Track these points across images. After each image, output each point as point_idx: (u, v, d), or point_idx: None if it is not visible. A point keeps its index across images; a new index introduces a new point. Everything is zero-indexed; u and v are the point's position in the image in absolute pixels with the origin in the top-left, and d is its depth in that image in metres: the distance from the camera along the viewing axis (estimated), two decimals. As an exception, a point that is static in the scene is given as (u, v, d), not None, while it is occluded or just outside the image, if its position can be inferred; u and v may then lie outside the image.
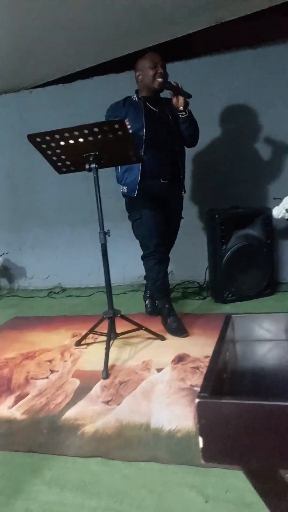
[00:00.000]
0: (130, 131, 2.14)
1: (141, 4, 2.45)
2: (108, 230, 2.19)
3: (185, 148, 2.53)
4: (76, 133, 2.03)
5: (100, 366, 2.04)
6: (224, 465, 1.26)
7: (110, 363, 2.08)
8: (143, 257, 2.59)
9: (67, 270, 3.87)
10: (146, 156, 2.33)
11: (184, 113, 2.30)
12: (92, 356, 2.26)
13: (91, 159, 2.11)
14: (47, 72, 3.39)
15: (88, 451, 1.47)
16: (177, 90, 2.26)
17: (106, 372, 2.00)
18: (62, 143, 2.09)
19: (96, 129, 2.00)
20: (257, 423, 0.57)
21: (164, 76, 2.33)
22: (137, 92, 2.47)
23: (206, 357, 2.08)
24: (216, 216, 2.84)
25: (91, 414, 1.69)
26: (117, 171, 2.49)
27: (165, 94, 2.41)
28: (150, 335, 2.37)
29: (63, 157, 2.19)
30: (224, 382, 0.72)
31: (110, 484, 1.30)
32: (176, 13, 2.63)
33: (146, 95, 2.40)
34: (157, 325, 2.53)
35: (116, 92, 3.44)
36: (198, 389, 1.78)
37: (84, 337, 2.41)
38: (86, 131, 2.02)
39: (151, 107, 2.41)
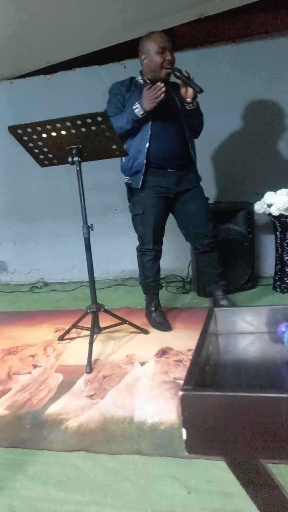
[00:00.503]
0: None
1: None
2: (91, 224, 2.18)
3: None
4: (58, 125, 2.00)
5: (83, 361, 2.03)
6: (207, 456, 1.28)
7: (93, 357, 2.07)
8: (138, 250, 2.52)
9: (50, 264, 3.83)
10: (153, 144, 2.22)
11: (191, 105, 2.19)
12: (75, 351, 2.25)
13: (73, 152, 2.09)
14: (28, 63, 3.33)
15: (72, 446, 1.47)
16: (188, 82, 2.11)
17: (90, 366, 1.99)
18: (44, 135, 2.06)
19: (78, 122, 1.98)
20: (239, 414, 0.58)
21: (172, 63, 2.17)
22: (141, 73, 2.31)
23: (189, 350, 2.10)
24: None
25: (75, 409, 1.69)
26: (122, 160, 2.38)
27: (173, 76, 2.25)
28: (134, 329, 2.38)
29: (45, 149, 2.16)
30: (207, 374, 0.73)
31: (94, 478, 1.31)
32: (161, 6, 2.62)
33: (152, 79, 2.23)
34: (140, 319, 2.53)
35: (99, 84, 3.40)
36: (181, 382, 1.80)
37: (67, 331, 2.40)
38: (68, 124, 1.99)
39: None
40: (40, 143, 2.12)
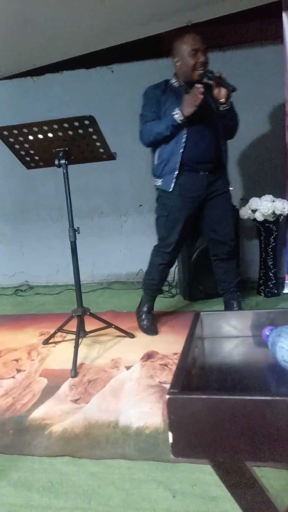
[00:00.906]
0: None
1: (112, 3, 2.43)
2: (77, 228, 2.17)
3: None
4: (45, 127, 1.99)
5: (68, 365, 2.02)
6: (192, 460, 1.28)
7: (78, 361, 2.06)
8: (155, 249, 2.47)
9: (35, 267, 3.80)
10: (188, 146, 2.18)
11: (225, 105, 2.13)
12: (60, 355, 2.23)
13: (60, 155, 2.08)
14: (15, 64, 3.30)
15: (56, 451, 1.45)
16: (220, 82, 2.06)
17: (75, 370, 1.98)
18: (30, 137, 2.05)
19: (66, 125, 1.97)
20: (224, 417, 0.58)
21: (205, 65, 2.12)
22: (175, 76, 2.26)
23: (175, 354, 2.10)
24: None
25: (59, 414, 1.67)
26: (153, 163, 2.34)
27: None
28: (120, 333, 2.37)
29: (31, 152, 2.15)
30: (193, 378, 0.74)
31: (78, 483, 1.30)
32: (149, 12, 2.64)
33: (186, 81, 2.19)
34: (126, 323, 2.53)
35: (86, 87, 3.42)
36: (166, 386, 1.81)
37: (52, 335, 2.37)
38: (55, 126, 1.99)
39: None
40: (26, 145, 2.10)
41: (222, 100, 2.11)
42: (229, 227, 2.39)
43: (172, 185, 2.25)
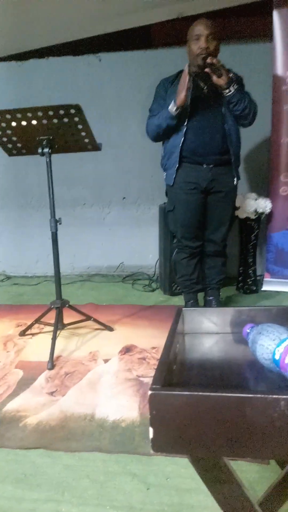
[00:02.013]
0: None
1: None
2: (59, 218, 2.13)
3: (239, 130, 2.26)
4: (29, 114, 1.94)
5: (45, 357, 1.99)
6: (172, 454, 1.29)
7: (56, 354, 2.04)
8: (175, 247, 2.47)
9: (13, 257, 3.73)
10: (188, 138, 2.15)
11: (228, 90, 2.07)
12: (37, 347, 2.20)
13: (44, 143, 2.04)
14: (-1, 47, 3.20)
15: (30, 443, 1.44)
16: (212, 69, 2.00)
17: (52, 363, 1.96)
18: (13, 123, 1.99)
19: (51, 112, 1.93)
20: (204, 413, 0.59)
21: (206, 50, 2.03)
22: (189, 66, 2.16)
23: (153, 348, 2.11)
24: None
25: (35, 406, 1.65)
26: (162, 156, 2.32)
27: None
28: (98, 326, 2.36)
29: (14, 138, 2.09)
30: (174, 373, 0.74)
31: (52, 475, 1.29)
32: (139, 1, 2.60)
33: (196, 70, 2.11)
34: (105, 316, 2.52)
35: (72, 75, 3.35)
36: (144, 379, 1.81)
37: (29, 327, 2.34)
38: (40, 113, 1.94)
39: (200, 83, 2.15)
40: (9, 132, 2.05)
41: (224, 85, 2.05)
42: (224, 228, 2.38)
43: (173, 179, 2.23)
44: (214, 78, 2.04)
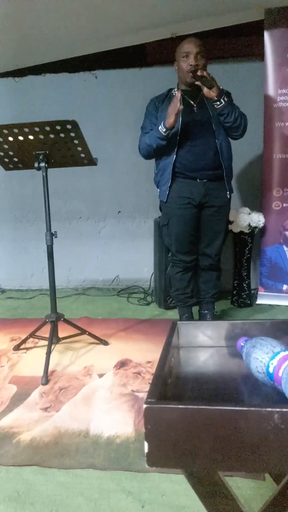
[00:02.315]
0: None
1: (99, 11, 2.44)
2: (55, 232, 2.14)
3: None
4: (26, 129, 1.97)
5: (39, 372, 1.97)
6: (166, 469, 1.28)
7: (50, 368, 2.02)
8: (169, 261, 2.50)
9: (8, 270, 3.71)
10: (180, 155, 2.18)
11: (219, 102, 2.09)
12: (31, 362, 2.18)
13: (40, 157, 2.06)
14: (-4, 63, 3.26)
15: (24, 460, 1.41)
16: (202, 81, 2.04)
17: (46, 378, 1.94)
18: (10, 138, 2.02)
19: (47, 128, 1.96)
20: (199, 427, 0.59)
21: (196, 67, 2.08)
22: (178, 85, 2.26)
23: (148, 362, 2.10)
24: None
25: (28, 422, 1.63)
26: (154, 173, 2.35)
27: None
28: (93, 340, 2.35)
29: (10, 153, 2.11)
30: (169, 387, 0.74)
31: (45, 493, 1.26)
32: (134, 21, 2.67)
33: (185, 88, 2.18)
34: (100, 330, 2.51)
35: (68, 91, 3.41)
36: (139, 394, 1.80)
37: (24, 341, 2.32)
38: (37, 129, 1.97)
39: (190, 101, 2.20)
40: (5, 146, 2.07)
41: (215, 98, 2.08)
42: (219, 242, 2.39)
43: (166, 195, 2.25)
44: (205, 90, 2.07)
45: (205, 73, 2.04)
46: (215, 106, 2.12)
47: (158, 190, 2.34)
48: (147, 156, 2.29)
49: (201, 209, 2.31)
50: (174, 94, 2.18)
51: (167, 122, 2.08)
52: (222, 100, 2.10)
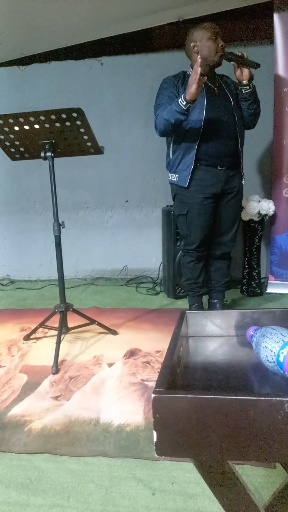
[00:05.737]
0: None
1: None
2: (62, 222, 2.14)
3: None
4: (32, 118, 1.95)
5: (49, 361, 1.99)
6: (176, 458, 1.28)
7: (60, 358, 2.03)
8: (181, 250, 2.47)
9: (16, 261, 3.74)
10: (204, 140, 2.10)
11: (248, 87, 2.06)
12: (41, 351, 2.20)
13: (47, 147, 2.04)
14: (1, 52, 3.22)
15: (35, 448, 1.43)
16: (243, 61, 1.99)
17: (56, 367, 1.95)
18: (16, 128, 2.00)
19: (53, 116, 1.94)
20: (208, 416, 0.58)
21: (224, 48, 2.06)
22: (191, 67, 2.16)
23: (158, 351, 2.10)
24: (172, 213, 2.87)
25: (39, 410, 1.65)
26: (168, 156, 2.25)
27: (219, 70, 2.18)
28: (102, 330, 2.35)
29: (16, 143, 2.10)
30: (178, 376, 0.73)
31: (57, 481, 1.28)
32: (140, 6, 2.61)
33: (203, 72, 2.01)
34: (109, 320, 2.52)
35: (74, 79, 3.37)
36: (148, 383, 1.80)
37: (34, 331, 2.34)
38: (42, 118, 1.95)
39: (210, 85, 2.13)
40: (11, 136, 2.06)
41: (245, 81, 2.05)
42: (234, 230, 2.38)
43: (188, 180, 2.17)
44: (238, 72, 2.04)
45: (245, 54, 2.00)
46: (243, 90, 2.08)
47: (174, 175, 2.24)
48: (163, 133, 2.15)
49: (219, 197, 2.27)
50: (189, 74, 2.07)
51: (188, 93, 1.93)
52: (251, 85, 2.06)
